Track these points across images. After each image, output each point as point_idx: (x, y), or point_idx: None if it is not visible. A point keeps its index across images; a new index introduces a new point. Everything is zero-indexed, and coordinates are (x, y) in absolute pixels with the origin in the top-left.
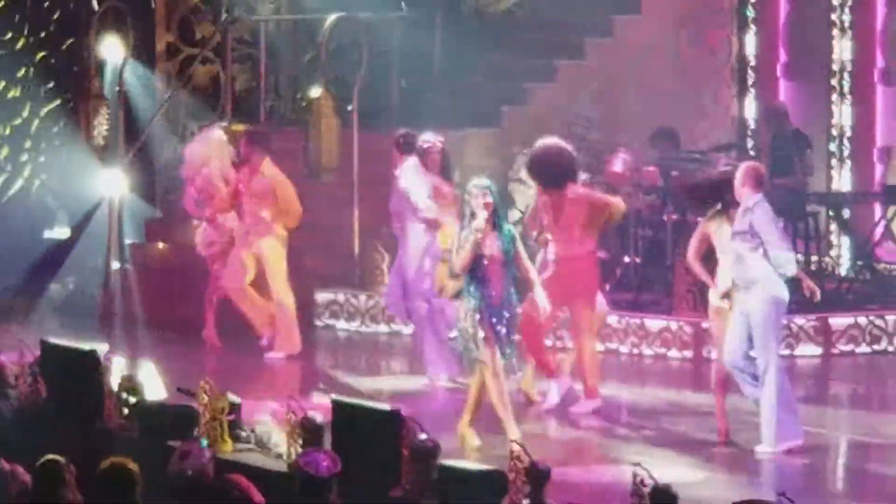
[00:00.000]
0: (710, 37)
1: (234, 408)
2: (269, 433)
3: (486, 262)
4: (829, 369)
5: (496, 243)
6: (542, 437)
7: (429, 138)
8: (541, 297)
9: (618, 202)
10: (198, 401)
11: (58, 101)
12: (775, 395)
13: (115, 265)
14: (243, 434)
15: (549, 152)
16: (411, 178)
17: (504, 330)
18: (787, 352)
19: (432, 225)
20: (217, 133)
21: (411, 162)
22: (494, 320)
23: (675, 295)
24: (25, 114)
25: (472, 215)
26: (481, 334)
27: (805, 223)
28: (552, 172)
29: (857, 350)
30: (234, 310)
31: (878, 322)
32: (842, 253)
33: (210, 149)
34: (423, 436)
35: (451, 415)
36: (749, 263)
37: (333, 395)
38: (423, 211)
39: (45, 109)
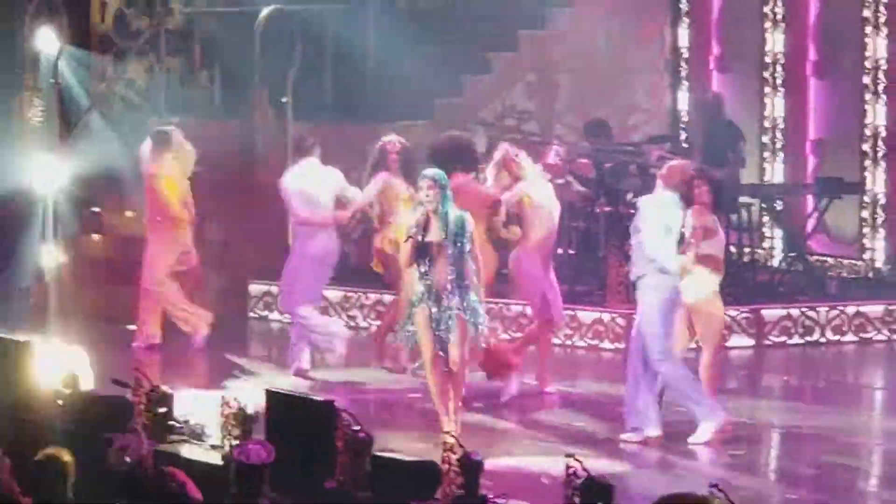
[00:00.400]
0: (644, 29)
1: (168, 399)
2: (203, 424)
3: (431, 251)
4: (762, 361)
5: (440, 231)
6: (477, 429)
7: (390, 138)
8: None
9: (496, 202)
10: (132, 392)
11: None
12: (658, 386)
13: (50, 256)
14: (177, 425)
15: (443, 141)
16: (301, 179)
17: (443, 319)
18: None
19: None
20: (177, 133)
21: (304, 163)
22: (435, 308)
23: (608, 287)
24: None
25: (419, 204)
26: (421, 322)
27: (738, 215)
28: (440, 160)
29: (790, 342)
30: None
31: (811, 314)
32: (774, 245)
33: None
34: (356, 427)
35: (384, 406)
36: (636, 258)
37: (267, 387)
38: (302, 216)
39: None
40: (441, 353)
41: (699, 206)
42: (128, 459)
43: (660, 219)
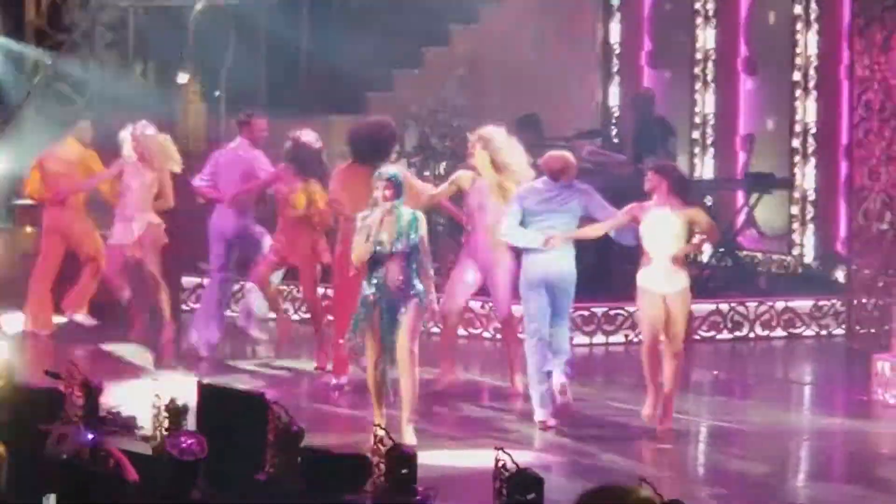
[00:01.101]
0: (575, 24)
1: (99, 390)
2: (134, 416)
3: (382, 251)
4: (691, 355)
5: (393, 232)
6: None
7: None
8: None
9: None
10: (64, 384)
11: None
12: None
13: None
14: (108, 417)
15: (362, 126)
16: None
17: (392, 319)
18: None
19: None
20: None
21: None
22: (384, 306)
23: None
24: None
25: (375, 204)
26: (366, 321)
27: None
28: (364, 148)
29: (719, 336)
30: (104, 293)
31: (740, 309)
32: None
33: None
34: (287, 420)
35: (315, 399)
36: None
37: (199, 378)
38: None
39: None
40: (384, 352)
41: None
42: (63, 451)
43: (512, 204)
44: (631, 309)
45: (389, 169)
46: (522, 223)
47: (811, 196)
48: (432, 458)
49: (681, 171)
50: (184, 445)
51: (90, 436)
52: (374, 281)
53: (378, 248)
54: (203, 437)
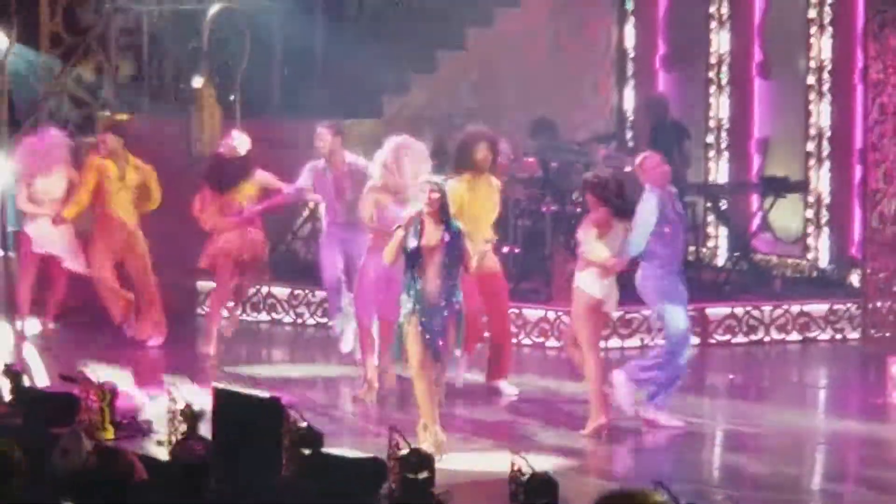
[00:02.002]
0: (590, 28)
1: (114, 395)
2: (150, 421)
3: (424, 256)
4: (707, 359)
5: (439, 237)
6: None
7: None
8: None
9: None
10: (79, 388)
11: None
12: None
13: None
14: (124, 421)
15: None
16: None
17: (435, 328)
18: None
19: None
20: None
21: None
22: (424, 319)
23: (554, 285)
24: None
25: (417, 207)
26: (412, 330)
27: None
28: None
29: (734, 340)
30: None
31: (755, 313)
32: (719, 244)
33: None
34: (303, 424)
35: (332, 403)
36: None
37: (215, 383)
38: None
39: None
40: (433, 360)
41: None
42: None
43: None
44: (646, 312)
45: (435, 177)
46: None
47: (826, 199)
48: (448, 462)
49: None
50: (189, 449)
51: (89, 444)
52: (416, 287)
53: (420, 251)
54: (209, 441)
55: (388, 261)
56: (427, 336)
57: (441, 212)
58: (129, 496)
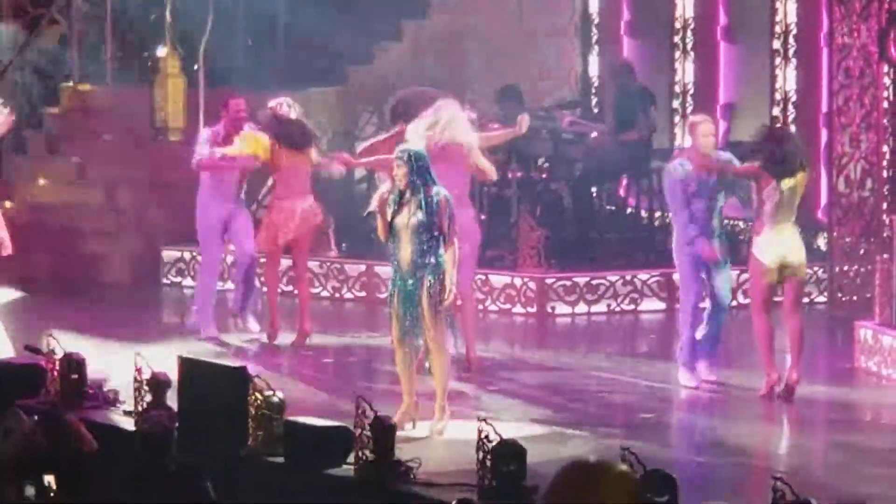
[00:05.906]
0: None
1: (80, 366)
2: (116, 391)
3: (398, 229)
4: (673, 324)
5: (410, 209)
6: (393, 395)
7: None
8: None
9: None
10: (45, 360)
11: None
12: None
13: None
14: (91, 391)
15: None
16: None
17: (406, 298)
18: (631, 307)
19: None
20: None
21: None
22: (397, 289)
23: (520, 251)
24: None
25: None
26: (393, 303)
27: (649, 179)
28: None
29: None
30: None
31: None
32: None
33: None
34: (268, 393)
35: (297, 372)
36: None
37: (180, 353)
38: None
39: None
40: (410, 334)
41: None
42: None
43: None
44: (612, 278)
45: (402, 147)
46: None
47: None
48: (416, 431)
49: None
50: (153, 419)
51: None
52: (394, 258)
53: (395, 224)
54: (183, 410)
55: (384, 238)
56: (401, 311)
57: (411, 181)
58: (87, 467)
